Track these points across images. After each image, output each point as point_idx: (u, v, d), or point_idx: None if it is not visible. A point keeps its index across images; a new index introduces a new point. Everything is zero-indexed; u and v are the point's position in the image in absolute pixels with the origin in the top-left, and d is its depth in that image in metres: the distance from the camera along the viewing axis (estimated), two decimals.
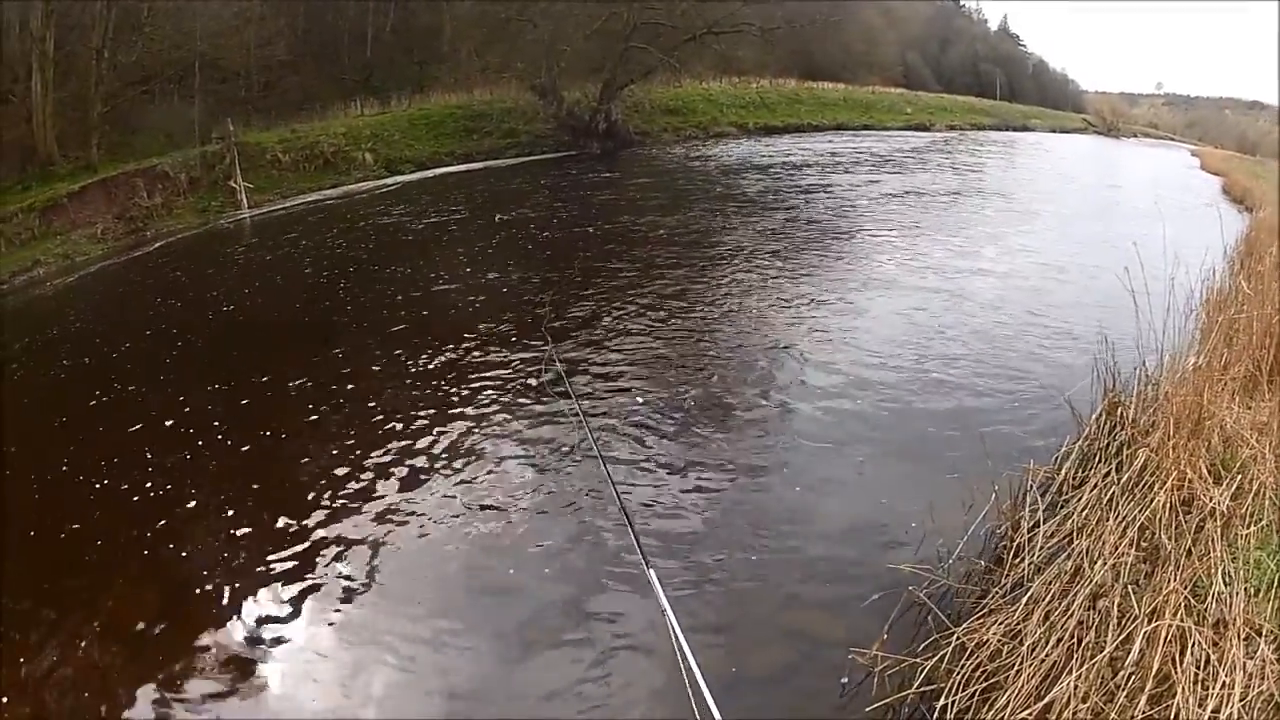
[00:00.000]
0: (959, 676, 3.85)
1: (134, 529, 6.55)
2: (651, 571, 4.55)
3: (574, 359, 9.39)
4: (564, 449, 7.29)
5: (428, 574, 5.73)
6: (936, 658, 4.04)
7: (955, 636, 4.09)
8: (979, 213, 18.90)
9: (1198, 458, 4.76)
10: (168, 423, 8.56)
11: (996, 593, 4.40)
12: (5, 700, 4.76)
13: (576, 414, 7.52)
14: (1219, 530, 4.18)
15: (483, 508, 6.44)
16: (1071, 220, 18.32)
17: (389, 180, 25.84)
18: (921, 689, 4.00)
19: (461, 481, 6.92)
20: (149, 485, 7.26)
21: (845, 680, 4.35)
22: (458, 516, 6.41)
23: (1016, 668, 3.74)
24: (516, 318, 11.15)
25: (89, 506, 7.03)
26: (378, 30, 30.39)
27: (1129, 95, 46.09)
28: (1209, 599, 3.74)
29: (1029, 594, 4.12)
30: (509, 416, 8.07)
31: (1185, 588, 3.73)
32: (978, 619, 4.17)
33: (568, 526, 6.12)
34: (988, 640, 3.95)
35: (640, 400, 8.17)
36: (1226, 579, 3.80)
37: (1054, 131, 42.50)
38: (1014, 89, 43.45)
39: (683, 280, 12.77)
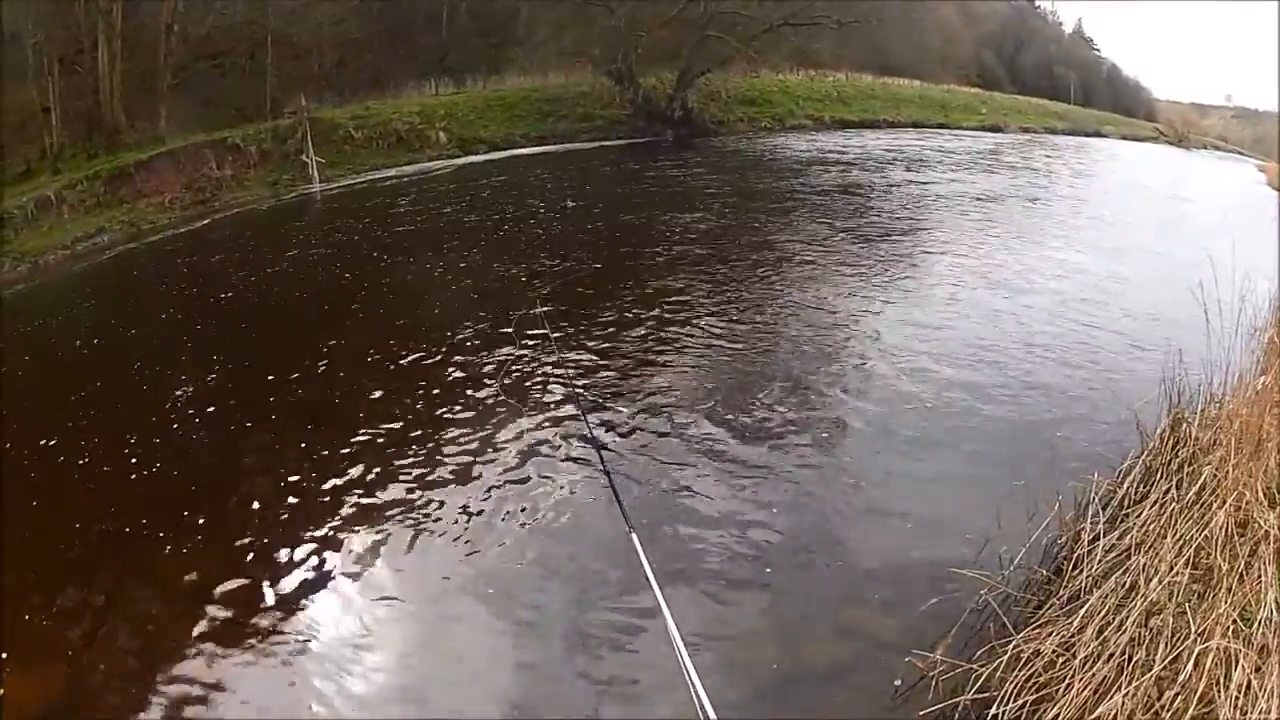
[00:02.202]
0: (1011, 686, 3.78)
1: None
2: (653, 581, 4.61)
3: (636, 346, 9.23)
4: (620, 444, 7.09)
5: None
6: (991, 666, 3.97)
7: (1011, 645, 4.01)
8: (1051, 219, 17.70)
9: (1256, 480, 4.64)
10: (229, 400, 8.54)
11: (1054, 604, 4.35)
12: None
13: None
14: (1271, 554, 4.09)
15: (547, 502, 6.29)
16: (1142, 231, 17.08)
17: (462, 159, 24.36)
18: (974, 696, 3.91)
19: (519, 465, 6.85)
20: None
21: (899, 682, 4.29)
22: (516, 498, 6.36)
23: (1068, 681, 3.67)
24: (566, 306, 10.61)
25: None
26: (452, 11, 28.64)
27: (1199, 106, 43.10)
28: (1257, 625, 3.66)
29: (1085, 607, 4.04)
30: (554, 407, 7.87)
31: (1235, 611, 3.67)
32: (1034, 629, 4.12)
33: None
34: (1042, 651, 3.89)
35: (704, 395, 7.97)
36: (1276, 605, 3.73)
37: (1125, 139, 39.57)
38: (1087, 93, 40.76)
39: (751, 273, 12.22)
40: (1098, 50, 43.60)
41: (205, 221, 18.59)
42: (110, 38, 20.67)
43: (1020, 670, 3.86)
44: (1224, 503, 4.47)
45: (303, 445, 7.34)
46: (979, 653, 4.12)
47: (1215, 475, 4.77)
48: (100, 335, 11.32)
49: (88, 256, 16.96)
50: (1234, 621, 3.62)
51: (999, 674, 3.92)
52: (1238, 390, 5.85)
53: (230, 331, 10.88)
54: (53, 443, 7.75)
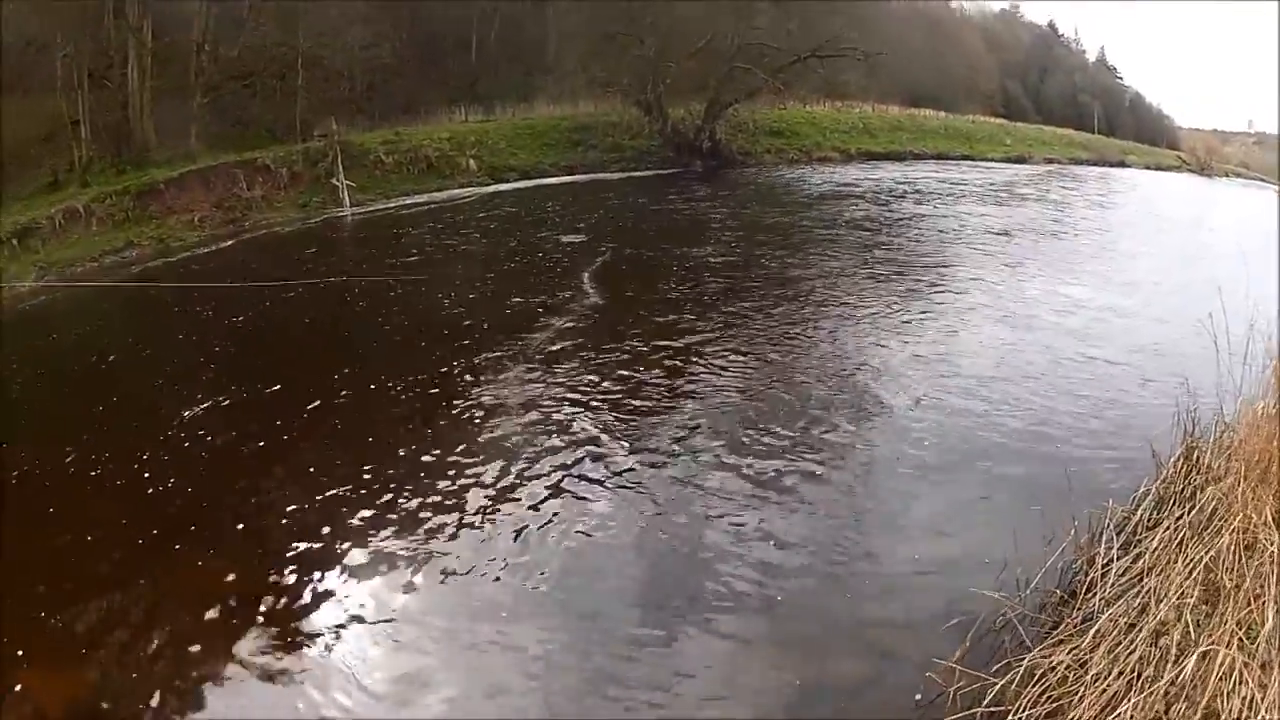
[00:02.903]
0: (1026, 699, 3.90)
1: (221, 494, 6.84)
2: None
3: (667, 369, 9.33)
4: (654, 455, 7.28)
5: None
6: (1006, 679, 4.05)
7: (1026, 661, 4.10)
8: (1073, 250, 17.49)
9: (1264, 503, 4.66)
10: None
11: (1068, 624, 4.42)
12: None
13: None
14: (1275, 573, 4.07)
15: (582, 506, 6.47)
16: (1163, 262, 16.91)
17: (492, 187, 23.99)
18: (990, 708, 3.99)
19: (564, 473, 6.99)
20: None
21: (919, 696, 4.37)
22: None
23: (1080, 695, 3.80)
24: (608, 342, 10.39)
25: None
26: (482, 38, 28.32)
27: (1221, 133, 42.60)
28: (1260, 640, 3.75)
29: (1097, 627, 4.13)
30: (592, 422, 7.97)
31: (1241, 628, 3.75)
32: (1049, 647, 4.21)
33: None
34: (1056, 667, 4.00)
35: (728, 416, 8.05)
36: (1276, 626, 3.81)
37: (1149, 168, 39.15)
38: (1111, 122, 40.39)
39: (776, 303, 12.17)
40: (1121, 79, 43.39)
41: (230, 242, 18.13)
42: (141, 54, 20.23)
43: (1034, 685, 3.97)
44: (1232, 526, 4.53)
45: (313, 468, 7.26)
46: (996, 668, 4.17)
47: (1225, 500, 4.88)
48: (117, 352, 11.17)
49: (115, 271, 16.36)
50: (1239, 637, 3.71)
51: (1014, 687, 4.01)
52: (1247, 418, 5.85)
53: (246, 353, 10.82)
54: (68, 457, 7.63)
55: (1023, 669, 4.07)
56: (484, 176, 24.21)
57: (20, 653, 5.01)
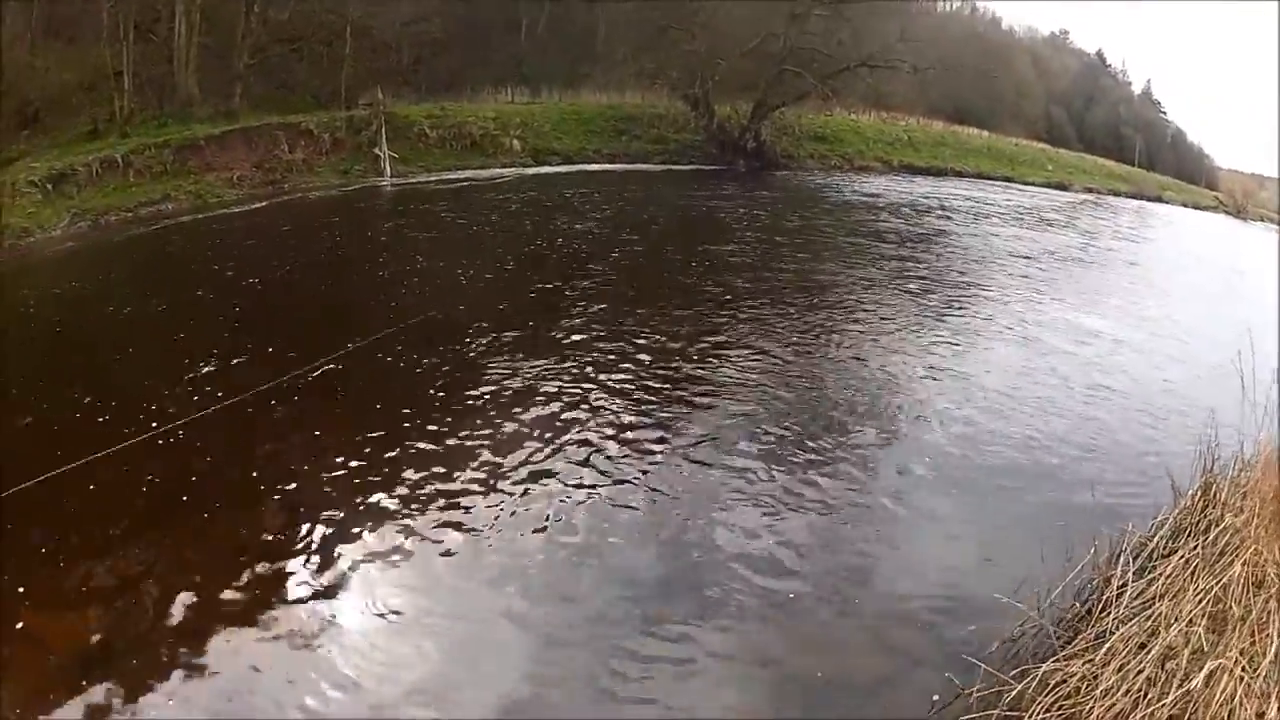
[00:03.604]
0: (1039, 706, 3.97)
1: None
2: None
3: (689, 377, 8.79)
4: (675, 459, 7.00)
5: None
6: (1022, 685, 4.12)
7: (1042, 670, 4.17)
8: (1107, 281, 16.89)
9: (1274, 540, 4.93)
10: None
11: (1082, 638, 4.48)
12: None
13: None
14: (1279, 609, 4.31)
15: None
16: (1195, 299, 16.37)
17: (534, 169, 23.29)
18: (1006, 712, 4.05)
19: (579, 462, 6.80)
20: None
21: (936, 697, 4.42)
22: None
23: (1090, 707, 3.87)
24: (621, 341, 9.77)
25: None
26: (532, 20, 27.53)
27: (1259, 177, 41.51)
28: (1261, 669, 3.90)
29: (1109, 645, 4.19)
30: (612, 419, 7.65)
31: (1245, 657, 3.89)
32: (1063, 659, 4.26)
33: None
34: (1069, 679, 4.07)
35: (755, 425, 7.73)
36: (1278, 656, 4.00)
37: (1186, 206, 38.10)
38: (1152, 157, 39.38)
39: (807, 311, 11.62)
40: (1164, 114, 42.38)
41: (263, 203, 17.59)
42: (189, 9, 19.47)
43: (1048, 694, 4.05)
44: (1242, 559, 4.66)
45: (318, 431, 7.16)
46: (1013, 673, 4.25)
47: (1238, 534, 5.01)
48: (134, 304, 10.64)
49: (149, 221, 15.88)
50: (1242, 665, 3.84)
51: (1029, 694, 4.09)
52: (1264, 458, 6.04)
53: (260, 315, 10.44)
54: (76, 406, 7.38)
55: (1038, 677, 4.13)
56: (526, 158, 23.54)
57: (23, 593, 4.90)
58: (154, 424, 6.93)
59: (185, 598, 4.95)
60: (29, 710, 4.15)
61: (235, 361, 8.54)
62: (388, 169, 20.72)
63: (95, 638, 4.66)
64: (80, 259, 13.53)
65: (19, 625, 4.67)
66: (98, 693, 4.27)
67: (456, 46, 24.75)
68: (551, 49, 27.38)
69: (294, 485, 6.26)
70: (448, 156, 22.18)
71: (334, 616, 4.88)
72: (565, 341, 9.53)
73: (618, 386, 8.33)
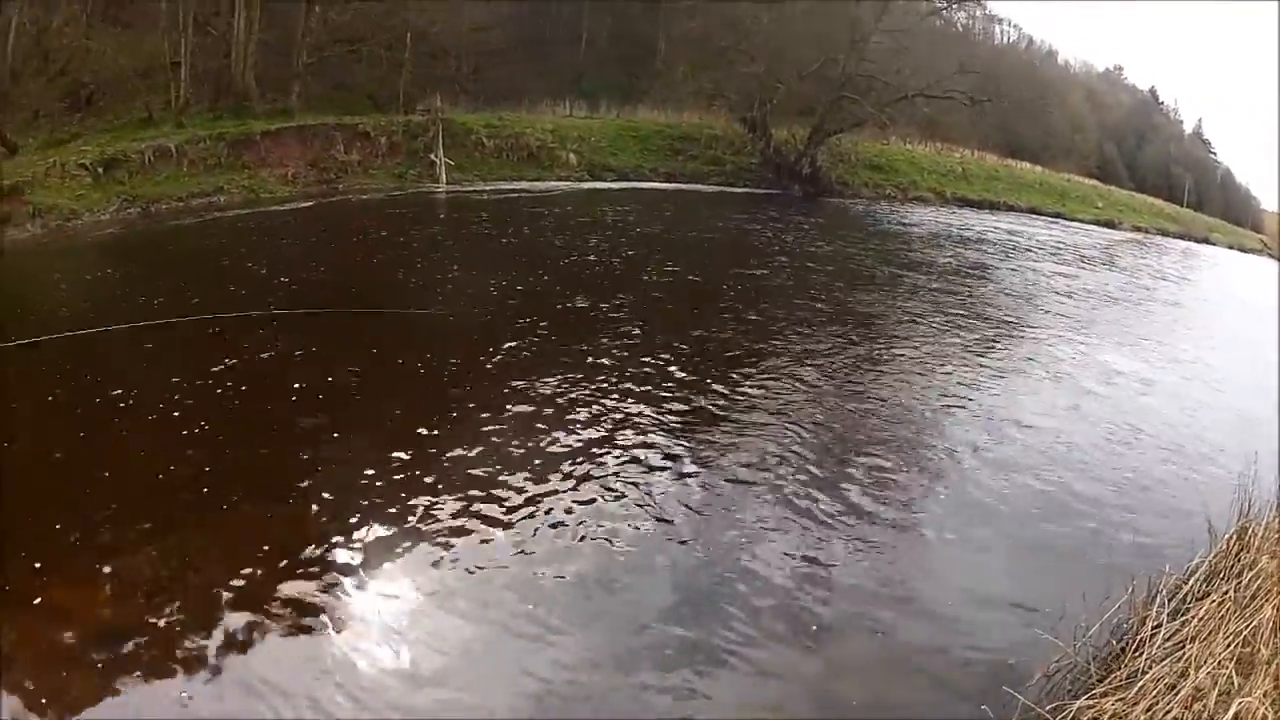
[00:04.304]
0: None
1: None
2: None
3: (723, 401, 8.27)
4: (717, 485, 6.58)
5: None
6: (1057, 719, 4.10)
7: (1076, 706, 4.11)
8: (1151, 321, 16.11)
9: None
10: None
11: (1115, 676, 4.42)
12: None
13: None
14: None
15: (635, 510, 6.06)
16: (1239, 343, 15.77)
17: (589, 184, 22.26)
18: None
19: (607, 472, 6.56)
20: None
21: None
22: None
23: None
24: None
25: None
26: (592, 35, 26.61)
27: None
28: None
29: (1140, 685, 4.18)
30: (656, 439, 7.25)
31: (1267, 699, 3.90)
32: (1096, 696, 4.21)
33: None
34: (1100, 716, 4.05)
35: (788, 452, 7.27)
36: None
37: (1232, 249, 36.91)
38: (1201, 197, 38.17)
39: (844, 341, 10.96)
40: (1214, 153, 41.22)
41: (311, 203, 16.65)
42: (249, 5, 18.52)
43: None
44: (1273, 603, 4.68)
45: (337, 433, 6.74)
46: (1049, 708, 4.19)
47: (1270, 578, 5.04)
48: (167, 295, 9.84)
49: (199, 212, 15.02)
50: (1264, 707, 3.84)
51: None
52: None
53: (290, 312, 9.70)
54: (99, 391, 7.13)
55: (1072, 713, 4.09)
56: (582, 172, 22.53)
57: (42, 570, 4.70)
58: (175, 414, 6.69)
59: (205, 586, 4.73)
60: (40, 684, 3.95)
61: (262, 356, 8.22)
62: (443, 176, 19.78)
63: (112, 618, 4.43)
64: (123, 245, 12.84)
65: (37, 600, 4.45)
66: (110, 673, 4.07)
67: (516, 57, 23.92)
68: (611, 64, 26.55)
69: (312, 483, 5.94)
70: (504, 167, 21.25)
71: (355, 613, 4.69)
72: (592, 360, 8.98)
73: (644, 405, 7.88)
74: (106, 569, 4.76)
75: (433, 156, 19.85)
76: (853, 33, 25.58)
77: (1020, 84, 30.62)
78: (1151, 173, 37.63)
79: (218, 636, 4.35)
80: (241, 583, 4.76)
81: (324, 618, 4.59)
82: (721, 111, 26.48)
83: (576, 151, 22.77)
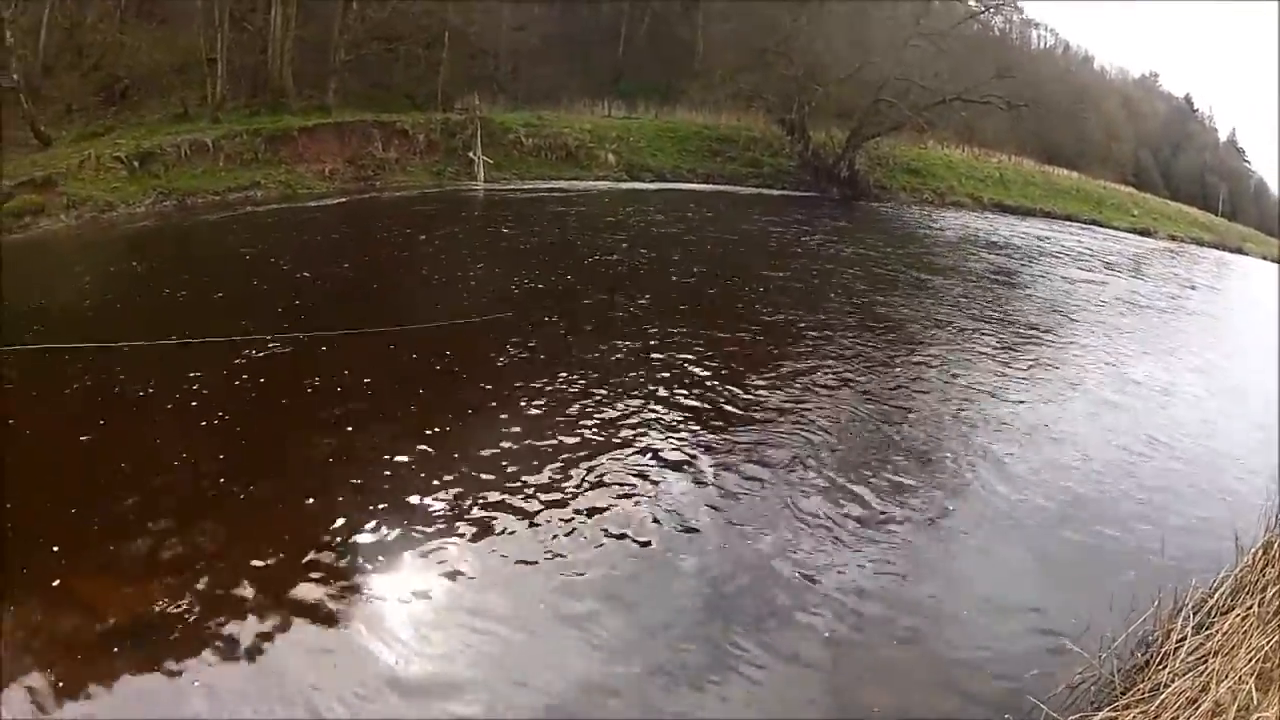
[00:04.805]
0: None
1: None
2: None
3: (750, 403, 7.97)
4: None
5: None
6: None
7: (1099, 717, 4.09)
8: (1184, 331, 15.65)
9: None
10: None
11: (1138, 688, 4.37)
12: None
13: None
14: None
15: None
16: (1266, 354, 14.69)
17: (628, 185, 21.58)
18: None
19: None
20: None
21: None
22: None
23: None
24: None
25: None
26: (630, 35, 25.99)
27: None
28: None
29: (1162, 699, 4.12)
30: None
31: None
32: (1119, 708, 4.19)
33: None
34: None
35: (813, 457, 7.07)
36: None
37: (1265, 259, 35.87)
38: (1235, 206, 37.21)
39: (877, 346, 10.71)
40: (1249, 162, 40.23)
41: (343, 199, 16.09)
42: (286, 1, 17.85)
43: None
44: None
45: (351, 426, 6.56)
46: (1073, 718, 4.15)
47: None
48: (189, 290, 9.64)
49: (236, 206, 14.52)
50: None
51: None
52: None
53: (311, 308, 9.47)
54: (119, 378, 7.04)
55: None
56: (621, 172, 21.86)
57: (64, 559, 4.57)
58: (193, 403, 6.58)
59: (227, 579, 4.59)
60: (61, 672, 3.87)
61: (280, 351, 7.94)
62: (481, 174, 19.17)
63: (136, 609, 4.32)
64: (155, 237, 12.43)
65: (56, 584, 4.39)
66: (130, 663, 3.99)
67: (555, 56, 23.30)
68: (649, 64, 25.88)
69: (330, 476, 5.82)
70: (542, 166, 20.63)
71: (375, 609, 4.59)
72: (612, 359, 8.76)
73: (661, 406, 7.67)
74: (124, 557, 4.68)
75: (471, 154, 19.25)
76: (891, 36, 24.97)
77: (1057, 89, 29.75)
78: (1186, 181, 36.67)
79: (234, 628, 4.25)
80: (260, 574, 4.67)
81: (342, 612, 4.51)
82: (760, 113, 25.87)
83: (615, 152, 22.10)
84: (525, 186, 19.42)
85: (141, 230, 12.19)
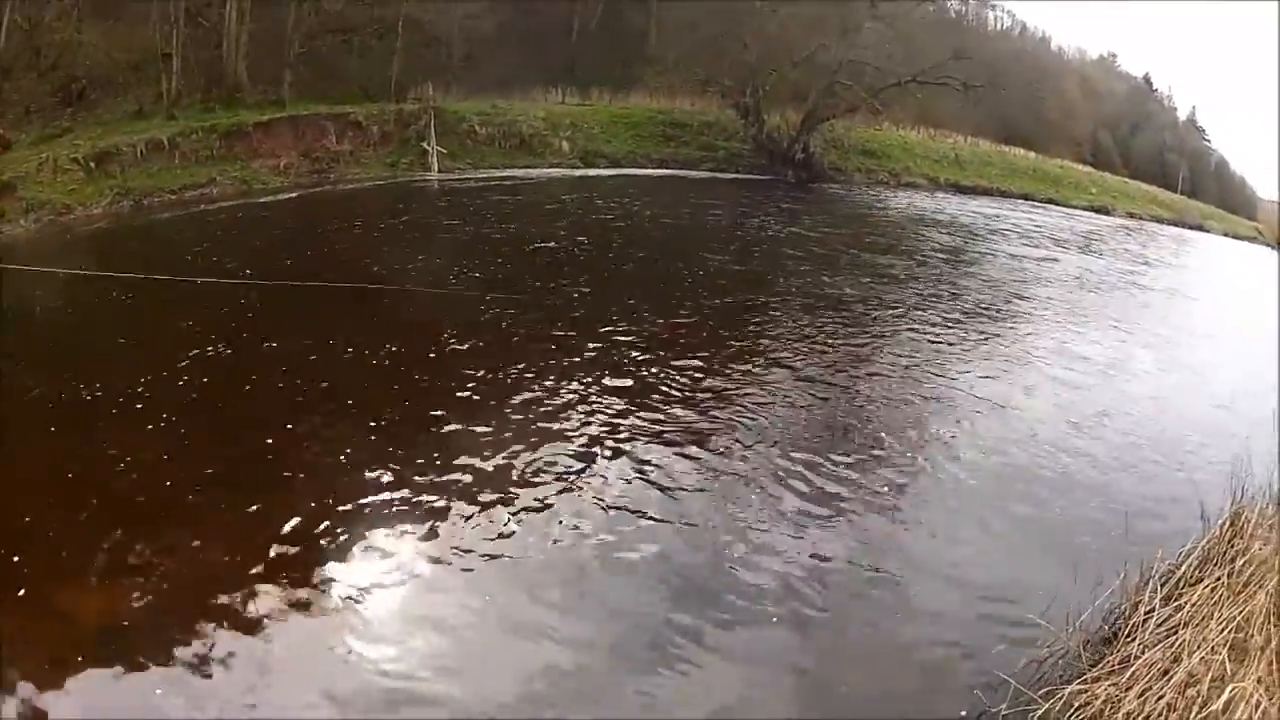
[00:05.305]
0: None
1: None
2: None
3: (691, 386, 8.33)
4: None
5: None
6: (1047, 705, 4.11)
7: (1068, 691, 4.17)
8: (1145, 308, 16.14)
9: None
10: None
11: (1108, 661, 4.43)
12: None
13: None
14: None
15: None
16: (1235, 330, 15.75)
17: (581, 171, 22.35)
18: None
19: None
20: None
21: (964, 713, 4.36)
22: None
23: None
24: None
25: None
26: (584, 22, 26.59)
27: None
28: (1277, 700, 3.86)
29: (1133, 670, 4.22)
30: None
31: (1262, 685, 3.91)
32: (1088, 681, 4.22)
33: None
34: (1092, 701, 4.09)
35: (766, 436, 7.34)
36: None
37: (1226, 236, 36.79)
38: (1195, 184, 38.10)
39: (855, 328, 11.07)
40: (1209, 141, 41.09)
41: (296, 194, 16.79)
42: None
43: (1072, 715, 4.03)
44: (1267, 589, 4.69)
45: (291, 424, 6.74)
46: (1040, 693, 4.19)
47: (1264, 565, 5.04)
48: (138, 291, 9.62)
49: (191, 204, 15.22)
50: (1259, 694, 3.84)
51: (1054, 714, 4.06)
52: None
53: (273, 312, 9.63)
54: (78, 383, 7.20)
55: (1064, 698, 4.14)
56: (575, 159, 22.63)
57: (44, 568, 4.79)
58: (139, 405, 6.81)
59: (205, 583, 4.76)
60: (42, 680, 4.01)
61: (225, 352, 8.20)
62: (435, 164, 19.94)
63: (114, 615, 4.50)
64: (108, 239, 12.89)
65: (24, 594, 4.55)
66: (110, 670, 4.13)
67: (508, 45, 23.87)
68: (603, 51, 26.44)
69: (272, 477, 6.00)
70: (496, 155, 21.38)
71: (355, 607, 4.71)
72: (557, 348, 8.94)
73: (604, 396, 7.82)
74: (89, 566, 4.79)
75: (425, 145, 19.98)
76: (846, 19, 25.64)
77: (1014, 70, 30.48)
78: (1145, 160, 37.49)
79: (207, 633, 4.39)
80: (229, 577, 4.78)
81: (317, 610, 4.64)
82: (714, 98, 26.43)
83: (569, 139, 22.86)
84: (479, 176, 20.08)
85: (97, 232, 12.83)
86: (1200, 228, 36.54)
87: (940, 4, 31.33)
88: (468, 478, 6.08)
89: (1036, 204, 31.31)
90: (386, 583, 4.92)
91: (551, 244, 13.89)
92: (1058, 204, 31.90)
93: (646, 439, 7.01)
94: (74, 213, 13.34)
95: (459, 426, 6.89)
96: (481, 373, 7.99)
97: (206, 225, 13.58)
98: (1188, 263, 28.08)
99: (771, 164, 25.97)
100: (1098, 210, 32.99)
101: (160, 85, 17.35)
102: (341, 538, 5.28)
